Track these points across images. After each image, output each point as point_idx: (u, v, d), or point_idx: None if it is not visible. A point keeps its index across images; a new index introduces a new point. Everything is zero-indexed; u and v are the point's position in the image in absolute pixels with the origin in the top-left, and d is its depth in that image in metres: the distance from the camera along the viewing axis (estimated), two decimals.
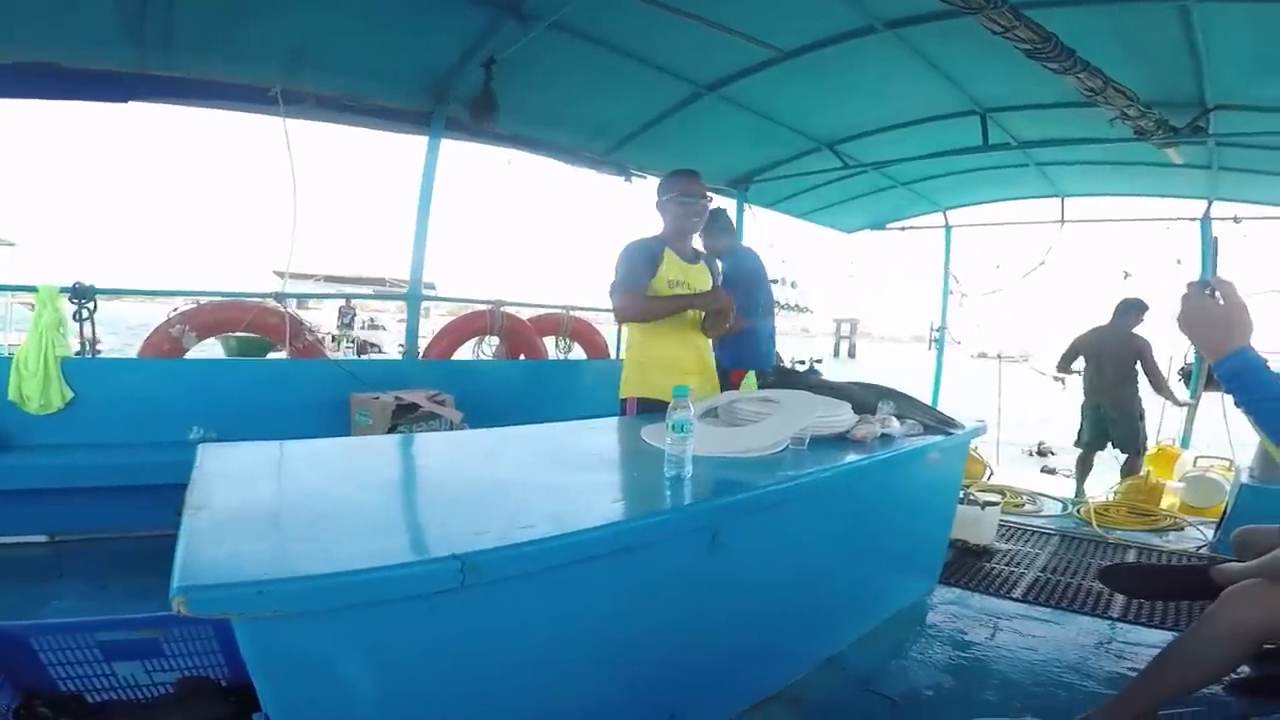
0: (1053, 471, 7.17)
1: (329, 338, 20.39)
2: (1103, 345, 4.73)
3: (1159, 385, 4.68)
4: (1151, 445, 4.99)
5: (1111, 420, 4.71)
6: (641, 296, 2.56)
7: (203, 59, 3.22)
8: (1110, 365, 4.67)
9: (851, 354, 46.69)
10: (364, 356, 19.21)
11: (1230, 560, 2.01)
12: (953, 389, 6.57)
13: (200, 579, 0.95)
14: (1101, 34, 2.93)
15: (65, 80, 3.05)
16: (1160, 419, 5.28)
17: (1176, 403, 4.93)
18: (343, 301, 19.47)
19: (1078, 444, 4.98)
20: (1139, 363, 4.59)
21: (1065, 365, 5.02)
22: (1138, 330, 4.63)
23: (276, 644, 1.02)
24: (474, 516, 1.31)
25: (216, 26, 3.02)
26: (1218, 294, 1.33)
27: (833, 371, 3.12)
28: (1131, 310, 4.65)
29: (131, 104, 3.27)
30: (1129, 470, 4.66)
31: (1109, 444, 4.82)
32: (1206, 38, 2.84)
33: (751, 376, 3.45)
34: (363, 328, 21.51)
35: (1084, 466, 4.97)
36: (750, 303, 3.43)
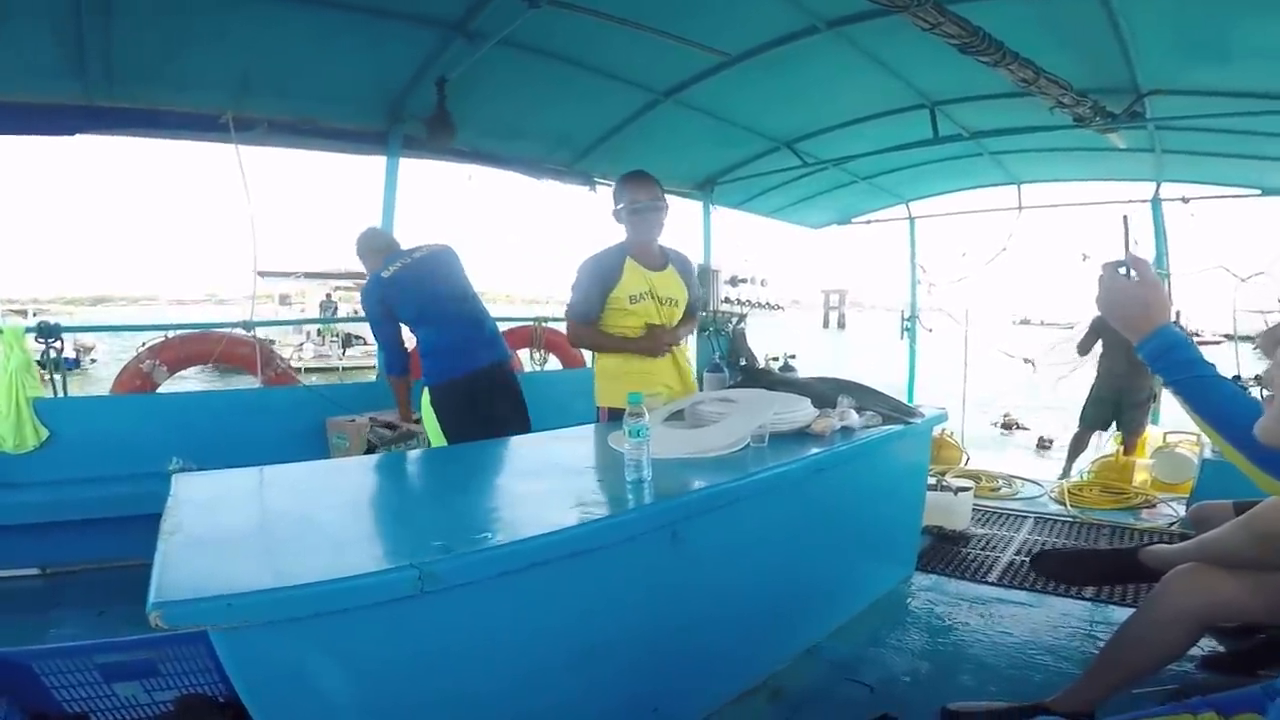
0: (1048, 445, 7.21)
1: (314, 331, 20.32)
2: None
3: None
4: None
5: (1130, 403, 4.72)
6: (589, 329, 2.64)
7: (149, 89, 3.19)
8: (1129, 348, 4.67)
9: (841, 324, 46.75)
10: (349, 350, 19.28)
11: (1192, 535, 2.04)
12: (940, 371, 6.67)
13: (173, 595, 1.02)
14: (1029, 25, 2.99)
15: (7, 115, 3.03)
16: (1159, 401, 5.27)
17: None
18: (324, 295, 19.29)
19: (1080, 421, 4.98)
20: None
21: (1088, 346, 4.96)
22: None
23: (250, 654, 1.08)
24: (436, 529, 1.36)
25: (160, 56, 3.01)
26: (1133, 273, 1.30)
27: (823, 345, 3.14)
28: None
29: (79, 136, 3.23)
30: (1129, 450, 4.66)
31: (1113, 425, 4.84)
32: (1130, 25, 2.90)
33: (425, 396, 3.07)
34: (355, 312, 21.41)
35: (1079, 445, 4.98)
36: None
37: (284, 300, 23.69)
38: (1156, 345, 1.26)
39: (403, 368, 3.22)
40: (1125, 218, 1.42)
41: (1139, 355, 1.31)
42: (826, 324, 45.19)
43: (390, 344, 3.13)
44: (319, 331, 20.47)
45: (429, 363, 3.07)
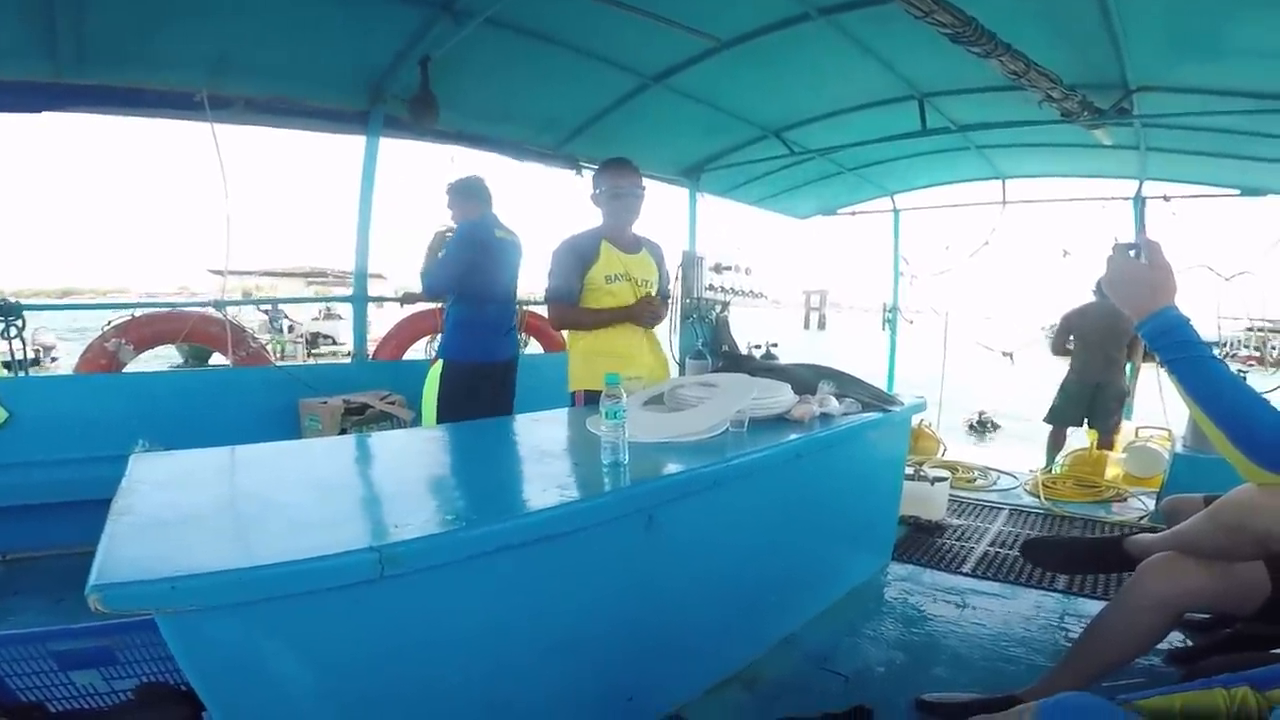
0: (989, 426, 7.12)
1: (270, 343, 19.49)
2: (1095, 322, 4.75)
3: (1135, 360, 4.75)
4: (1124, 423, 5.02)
5: (1104, 399, 4.75)
6: (573, 307, 2.65)
7: (121, 67, 3.09)
8: (1106, 342, 4.71)
9: (822, 325, 47.13)
10: (316, 351, 18.44)
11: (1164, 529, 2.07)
12: (918, 363, 6.70)
13: (114, 577, 0.96)
14: (1023, 17, 2.98)
15: None
16: (1133, 394, 5.32)
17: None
18: (268, 307, 18.33)
19: (1051, 419, 5.00)
20: (1129, 340, 4.66)
21: (1061, 344, 5.00)
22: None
23: (200, 639, 1.03)
24: (401, 511, 1.31)
25: (134, 34, 2.90)
26: (1142, 255, 1.33)
27: (803, 344, 3.14)
28: None
29: (46, 114, 3.11)
30: (1104, 446, 4.70)
31: (1084, 422, 4.87)
32: (1123, 20, 2.90)
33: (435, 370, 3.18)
34: (318, 317, 20.62)
35: (1057, 441, 5.00)
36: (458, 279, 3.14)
37: (245, 295, 22.84)
38: (1157, 325, 1.29)
39: (432, 296, 3.46)
40: (1144, 199, 1.44)
41: (1139, 334, 1.33)
42: (807, 324, 45.52)
43: (444, 279, 3.13)
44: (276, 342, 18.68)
45: (456, 336, 3.16)
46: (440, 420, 3.04)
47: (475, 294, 3.13)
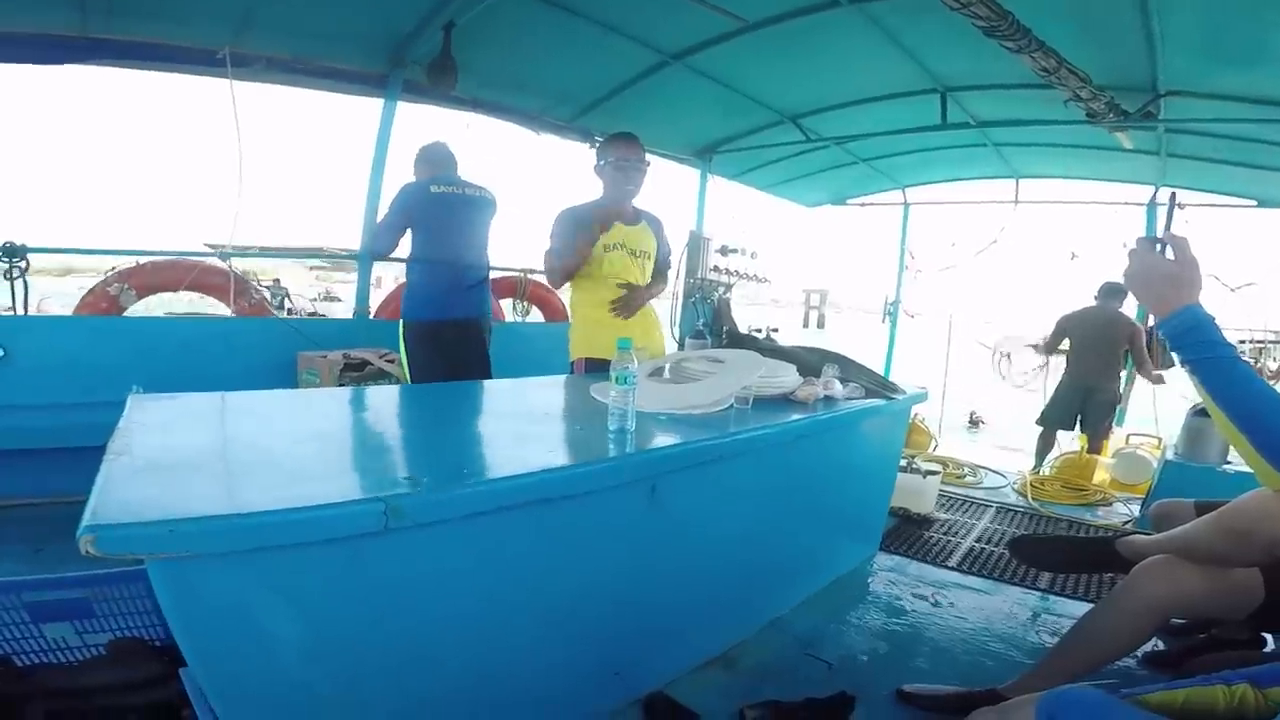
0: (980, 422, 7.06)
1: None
2: (1092, 327, 4.77)
3: (1143, 366, 4.74)
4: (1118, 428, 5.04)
5: (1095, 403, 4.77)
6: (559, 257, 2.66)
7: (147, 21, 3.06)
8: (1101, 347, 4.72)
9: (821, 324, 47.18)
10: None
11: (1149, 534, 2.09)
12: (916, 358, 6.69)
13: (110, 519, 0.92)
14: (1058, 14, 2.94)
15: None
16: (1127, 401, 5.36)
17: (1153, 380, 4.93)
18: (272, 280, 17.96)
19: (1041, 421, 5.04)
20: (1128, 345, 4.66)
21: (1054, 346, 5.03)
22: (1123, 311, 4.70)
23: (191, 588, 0.99)
24: (406, 464, 1.30)
25: None
26: (1168, 250, 1.29)
27: (802, 340, 3.13)
28: (1117, 292, 4.71)
29: (65, 66, 3.08)
30: (1093, 451, 4.72)
31: (1076, 425, 4.89)
32: (1162, 21, 2.86)
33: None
34: (317, 299, 20.70)
35: (1046, 444, 5.03)
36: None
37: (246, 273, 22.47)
38: (1179, 323, 1.25)
39: (377, 257, 3.44)
40: (1173, 195, 1.41)
41: (1160, 333, 1.29)
42: (806, 323, 45.51)
43: (384, 239, 3.18)
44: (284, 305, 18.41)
45: (410, 295, 3.20)
46: (413, 380, 3.09)
47: (422, 253, 3.16)
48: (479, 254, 3.30)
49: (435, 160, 3.31)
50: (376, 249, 3.25)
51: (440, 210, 3.13)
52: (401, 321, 3.21)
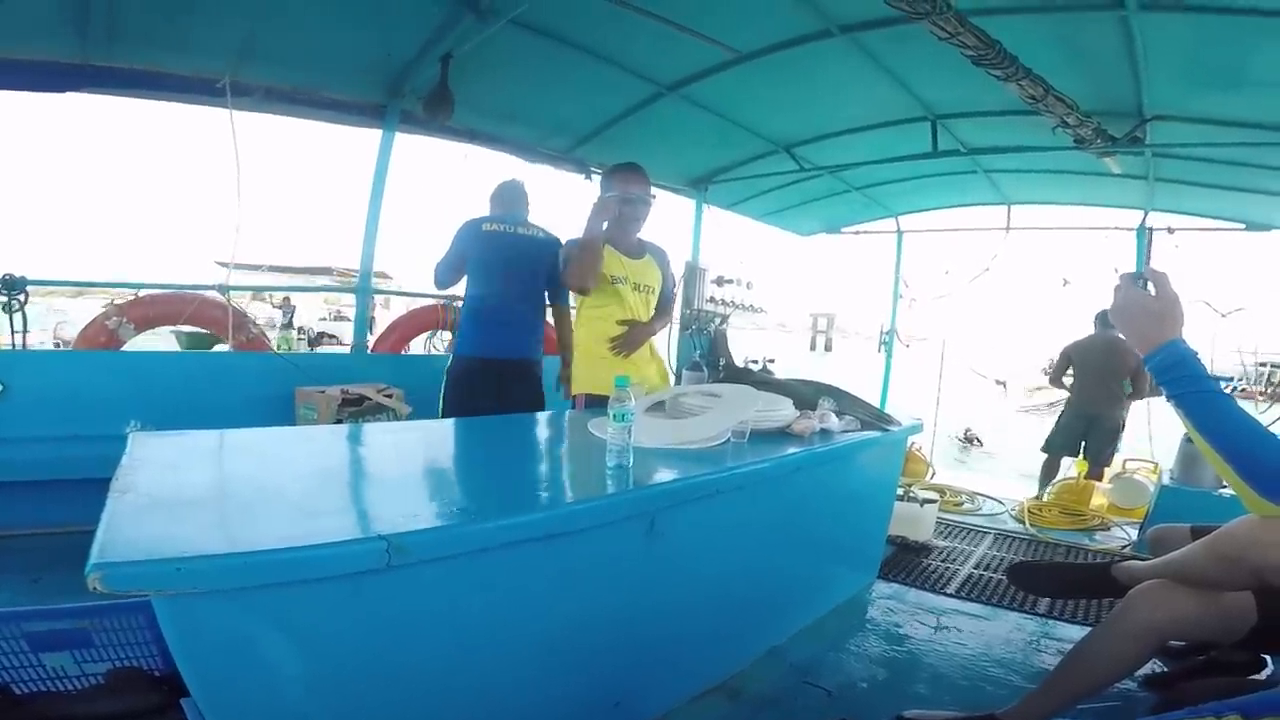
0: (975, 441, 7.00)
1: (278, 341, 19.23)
2: (1093, 355, 4.81)
3: (1141, 394, 4.77)
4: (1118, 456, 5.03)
5: (1100, 430, 4.79)
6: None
7: (148, 50, 3.10)
8: (1103, 375, 4.76)
9: (828, 348, 47.32)
10: (318, 350, 18.31)
11: (1146, 558, 2.10)
12: (912, 387, 6.71)
13: (117, 556, 0.94)
14: (1044, 42, 2.99)
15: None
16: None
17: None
18: (281, 298, 17.87)
19: (1046, 448, 5.06)
20: (1130, 372, 4.69)
21: (1059, 376, 5.07)
22: (1122, 337, 4.72)
23: (196, 623, 1.01)
24: (407, 501, 1.31)
25: (164, 16, 2.91)
26: (1150, 286, 1.32)
27: (808, 366, 3.15)
28: None
29: (67, 95, 3.13)
30: (1093, 478, 4.73)
31: (1080, 452, 4.90)
32: (1145, 48, 2.91)
33: None
34: (325, 319, 20.64)
35: (1050, 471, 5.04)
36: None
37: (255, 298, 22.64)
38: (1164, 358, 1.29)
39: (439, 287, 3.35)
40: (1150, 230, 1.45)
41: (1146, 368, 1.32)
42: (813, 347, 45.80)
43: (442, 275, 3.18)
44: (291, 324, 18.32)
45: (460, 330, 3.21)
46: (444, 415, 3.03)
47: (472, 289, 3.15)
48: (527, 294, 3.19)
49: (504, 198, 3.33)
50: (437, 283, 3.26)
51: (488, 248, 3.10)
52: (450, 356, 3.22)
